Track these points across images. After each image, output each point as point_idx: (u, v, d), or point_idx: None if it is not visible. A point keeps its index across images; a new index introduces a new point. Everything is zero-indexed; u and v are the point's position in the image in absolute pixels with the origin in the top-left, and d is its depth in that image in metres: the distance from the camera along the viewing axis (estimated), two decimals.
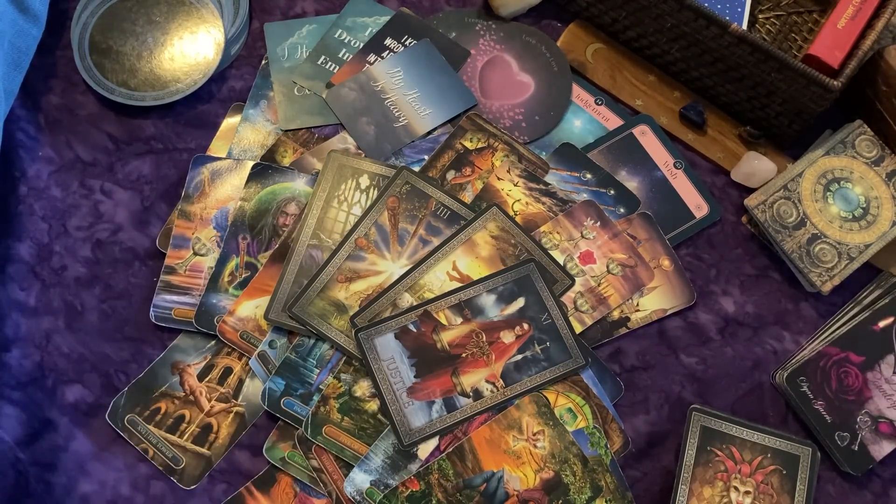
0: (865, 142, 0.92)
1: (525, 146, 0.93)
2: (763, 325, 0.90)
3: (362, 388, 0.83)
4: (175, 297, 0.86)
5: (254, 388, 0.84)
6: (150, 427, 0.83)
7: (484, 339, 0.84)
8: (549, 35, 0.99)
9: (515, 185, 0.91)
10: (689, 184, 0.94)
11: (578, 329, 0.86)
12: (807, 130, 0.94)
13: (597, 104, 0.97)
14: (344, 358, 0.84)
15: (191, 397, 0.84)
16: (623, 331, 0.88)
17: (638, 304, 0.89)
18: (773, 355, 0.89)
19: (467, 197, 0.91)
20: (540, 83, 0.97)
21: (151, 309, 0.86)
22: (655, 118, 0.96)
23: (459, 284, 0.86)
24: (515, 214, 0.90)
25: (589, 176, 0.93)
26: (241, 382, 0.84)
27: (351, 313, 0.85)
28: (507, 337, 0.85)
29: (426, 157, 0.93)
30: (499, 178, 0.91)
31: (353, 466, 0.80)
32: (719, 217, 0.93)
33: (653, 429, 0.86)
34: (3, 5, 0.85)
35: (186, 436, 0.83)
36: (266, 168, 0.91)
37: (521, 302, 0.86)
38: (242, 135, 0.93)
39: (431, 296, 0.85)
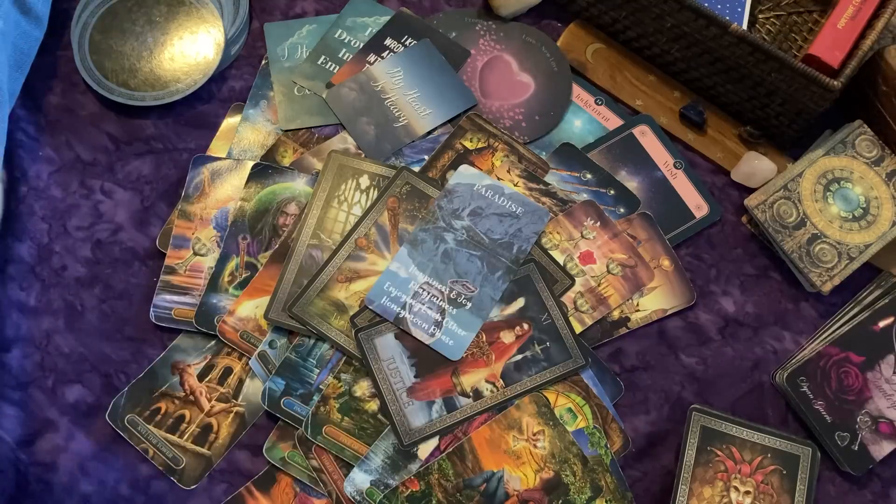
0: (865, 142, 0.92)
1: (525, 146, 0.93)
2: (763, 325, 0.90)
3: (362, 388, 0.83)
4: (175, 297, 0.86)
5: (254, 388, 0.84)
6: (150, 427, 0.83)
7: (484, 339, 0.84)
8: (549, 35, 0.99)
9: (515, 185, 0.91)
10: (689, 184, 0.94)
11: (578, 329, 0.86)
12: (807, 130, 0.94)
13: (597, 104, 0.97)
14: (344, 358, 0.84)
15: (191, 397, 0.84)
16: (623, 331, 0.88)
17: (638, 304, 0.89)
18: (773, 355, 0.89)
19: None
20: (540, 83, 0.97)
21: (151, 309, 0.86)
22: (655, 118, 0.96)
23: None
24: None
25: (589, 176, 0.93)
26: (241, 382, 0.84)
27: (351, 313, 0.85)
28: (507, 337, 0.84)
29: (426, 157, 0.93)
30: (499, 178, 0.91)
31: (353, 466, 0.80)
32: (719, 217, 0.93)
33: (653, 429, 0.86)
34: (7, 7, 0.85)
35: (186, 436, 0.83)
36: (266, 168, 0.91)
37: (521, 302, 0.86)
38: (242, 135, 0.93)
39: None
